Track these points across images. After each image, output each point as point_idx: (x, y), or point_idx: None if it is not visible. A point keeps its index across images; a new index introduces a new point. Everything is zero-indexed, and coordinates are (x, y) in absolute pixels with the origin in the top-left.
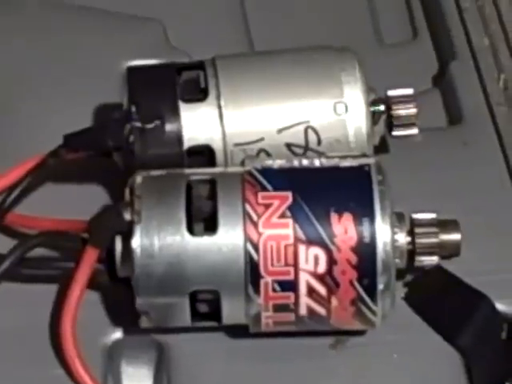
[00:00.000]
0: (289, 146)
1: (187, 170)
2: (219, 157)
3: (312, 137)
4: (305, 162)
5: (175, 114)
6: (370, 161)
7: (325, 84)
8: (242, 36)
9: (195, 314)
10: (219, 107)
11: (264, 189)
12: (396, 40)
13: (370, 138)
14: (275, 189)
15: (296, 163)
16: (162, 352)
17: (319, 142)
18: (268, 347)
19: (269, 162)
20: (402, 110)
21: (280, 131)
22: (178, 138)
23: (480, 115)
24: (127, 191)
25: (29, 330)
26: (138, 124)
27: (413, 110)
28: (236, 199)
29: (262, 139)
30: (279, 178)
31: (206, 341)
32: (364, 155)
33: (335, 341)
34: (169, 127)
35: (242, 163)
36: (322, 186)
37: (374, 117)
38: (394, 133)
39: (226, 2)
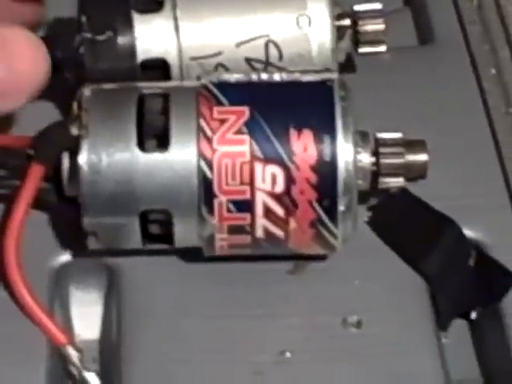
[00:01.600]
0: (248, 60)
1: (139, 84)
2: (175, 72)
3: (273, 51)
4: (264, 76)
5: (128, 25)
6: (333, 76)
7: None
8: None
9: (146, 236)
10: (175, 19)
11: (220, 103)
12: None
13: (334, 54)
14: (231, 103)
15: (255, 77)
16: (112, 276)
17: (281, 57)
18: (223, 272)
19: (226, 76)
20: (369, 26)
21: (239, 45)
22: (131, 51)
23: (452, 34)
24: (75, 105)
25: None
26: (89, 35)
27: (380, 26)
28: (190, 114)
29: (220, 53)
30: (236, 93)
31: (158, 265)
32: (327, 70)
33: (294, 266)
34: (121, 39)
35: (198, 78)
36: (281, 101)
37: (339, 31)
38: (361, 50)
39: None
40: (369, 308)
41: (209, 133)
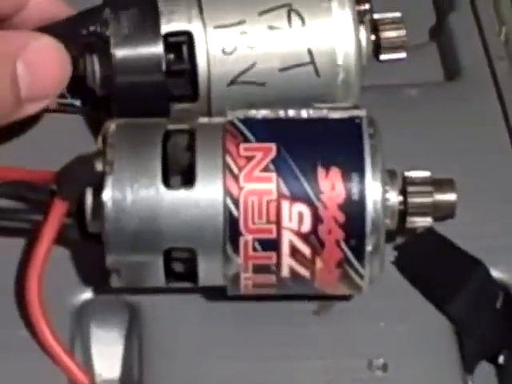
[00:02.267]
0: (271, 28)
1: (165, 120)
2: (199, 46)
3: (296, 19)
4: (291, 112)
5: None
6: (362, 113)
7: None
8: None
9: (170, 274)
10: None
11: (246, 140)
12: None
13: (355, 25)
14: (258, 140)
15: (282, 114)
16: (133, 314)
17: (303, 24)
18: (247, 311)
19: (252, 112)
20: (390, 32)
21: (261, 13)
22: (155, 21)
23: (479, 70)
24: (100, 140)
25: None
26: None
27: (400, 32)
28: (216, 150)
29: (243, 21)
30: (263, 129)
31: (180, 303)
32: (355, 107)
33: (319, 306)
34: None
35: (225, 114)
36: (308, 139)
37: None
38: (382, 56)
39: None
40: (395, 350)
41: (235, 170)
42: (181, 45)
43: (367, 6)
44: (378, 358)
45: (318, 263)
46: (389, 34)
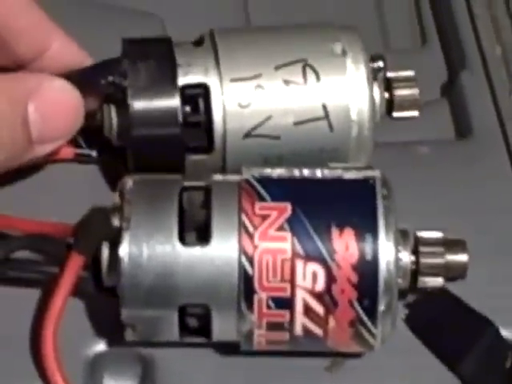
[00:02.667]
0: (287, 82)
1: (181, 177)
2: (215, 98)
3: (310, 74)
4: (306, 172)
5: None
6: (375, 174)
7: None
8: None
9: (184, 329)
10: (215, 50)
11: (262, 199)
12: (403, 46)
13: (369, 80)
14: (274, 199)
15: (296, 173)
16: (147, 367)
17: (318, 79)
18: (260, 367)
19: (267, 171)
20: (403, 90)
21: (277, 68)
22: (173, 73)
23: (490, 129)
24: (116, 195)
25: (7, 337)
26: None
27: (414, 90)
28: (232, 209)
29: (259, 75)
30: (278, 188)
31: (193, 356)
32: (369, 167)
33: (331, 363)
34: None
35: (240, 172)
36: (323, 199)
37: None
38: (395, 114)
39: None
40: None
41: (250, 228)
42: (197, 97)
43: (381, 64)
44: None
45: (331, 322)
46: (402, 92)
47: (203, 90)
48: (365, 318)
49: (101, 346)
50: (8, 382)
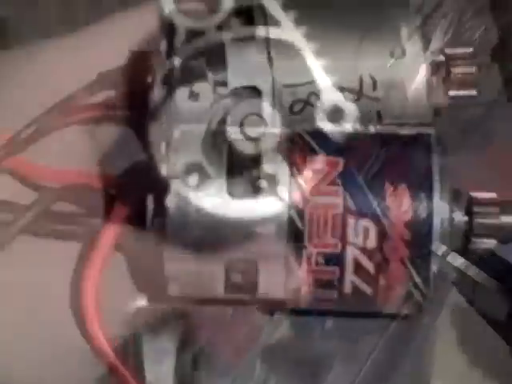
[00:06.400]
0: (342, 89)
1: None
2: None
3: (367, 81)
4: (359, 127)
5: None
6: (430, 130)
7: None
8: None
9: (228, 285)
10: (268, 51)
11: (314, 152)
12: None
13: (429, 85)
14: (326, 153)
15: (349, 128)
16: (186, 324)
17: (375, 86)
18: None
19: (320, 126)
20: (461, 68)
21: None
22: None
23: None
24: (163, 145)
25: (47, 288)
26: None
27: (472, 68)
28: (283, 162)
29: (312, 81)
30: (331, 143)
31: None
32: (424, 124)
33: None
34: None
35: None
36: (376, 154)
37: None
38: (451, 93)
39: None
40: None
41: (302, 182)
42: None
43: (441, 58)
44: None
45: (381, 281)
46: (460, 70)
47: None
48: (416, 277)
49: (140, 302)
50: (48, 331)
